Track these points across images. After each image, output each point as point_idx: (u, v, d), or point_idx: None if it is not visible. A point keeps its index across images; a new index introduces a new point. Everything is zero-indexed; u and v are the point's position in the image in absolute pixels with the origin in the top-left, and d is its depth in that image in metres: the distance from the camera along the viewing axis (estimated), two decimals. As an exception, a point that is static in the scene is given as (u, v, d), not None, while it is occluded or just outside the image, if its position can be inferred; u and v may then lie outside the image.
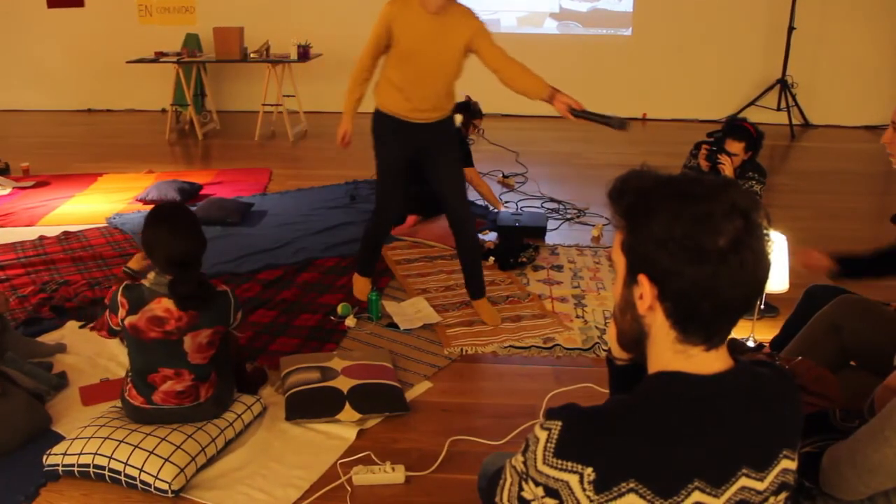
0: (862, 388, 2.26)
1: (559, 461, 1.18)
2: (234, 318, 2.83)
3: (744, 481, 1.20)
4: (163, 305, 2.65)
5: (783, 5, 8.17)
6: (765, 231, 1.18)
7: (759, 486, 1.22)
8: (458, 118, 5.11)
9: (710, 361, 1.23)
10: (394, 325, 3.81)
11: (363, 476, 2.67)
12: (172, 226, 2.69)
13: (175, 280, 2.65)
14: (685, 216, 1.15)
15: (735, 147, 4.43)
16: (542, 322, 3.87)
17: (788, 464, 1.26)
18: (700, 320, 1.20)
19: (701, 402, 1.20)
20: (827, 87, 8.64)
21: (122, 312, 2.68)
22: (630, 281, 1.25)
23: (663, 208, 1.17)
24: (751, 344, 3.53)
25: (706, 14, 8.60)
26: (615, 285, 1.30)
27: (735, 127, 4.51)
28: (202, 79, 8.57)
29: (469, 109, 5.31)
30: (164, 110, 8.77)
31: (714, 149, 4.41)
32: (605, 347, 3.61)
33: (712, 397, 1.20)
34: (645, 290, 1.21)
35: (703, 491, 1.17)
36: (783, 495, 1.27)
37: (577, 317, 3.94)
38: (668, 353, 1.23)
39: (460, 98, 5.24)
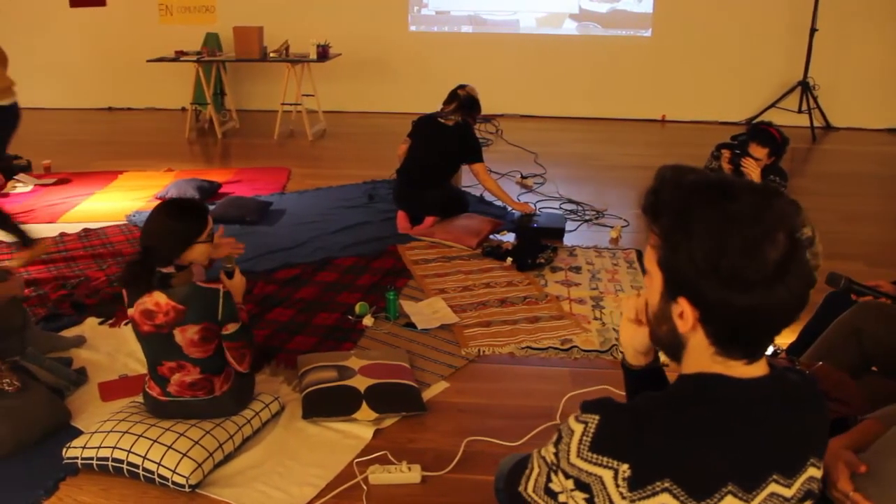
0: (883, 394, 2.24)
1: (594, 455, 1.17)
2: (221, 315, 2.72)
3: (773, 487, 1.19)
4: (153, 299, 2.67)
5: (804, 7, 8.12)
6: (807, 240, 1.15)
7: (787, 492, 1.21)
8: None
9: (749, 367, 1.21)
10: (411, 325, 3.81)
11: (379, 475, 2.67)
12: (155, 209, 2.82)
13: (132, 261, 2.72)
14: (731, 244, 1.11)
15: (759, 152, 4.40)
16: (560, 323, 3.86)
17: (815, 472, 1.25)
18: (745, 342, 1.19)
19: (740, 406, 1.19)
20: (849, 90, 8.56)
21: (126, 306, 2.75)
22: (669, 297, 1.22)
23: (706, 232, 1.13)
24: (770, 349, 3.50)
25: (727, 15, 8.55)
26: (650, 291, 1.27)
27: (760, 131, 4.48)
28: (222, 78, 8.61)
29: (470, 105, 5.25)
30: (183, 109, 8.82)
31: (738, 152, 4.39)
32: (623, 350, 3.59)
33: (751, 402, 1.19)
34: (686, 311, 1.19)
35: (735, 495, 1.16)
36: (808, 503, 1.26)
37: (595, 318, 3.93)
38: (707, 360, 1.22)
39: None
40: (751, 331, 1.17)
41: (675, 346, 1.25)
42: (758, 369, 1.22)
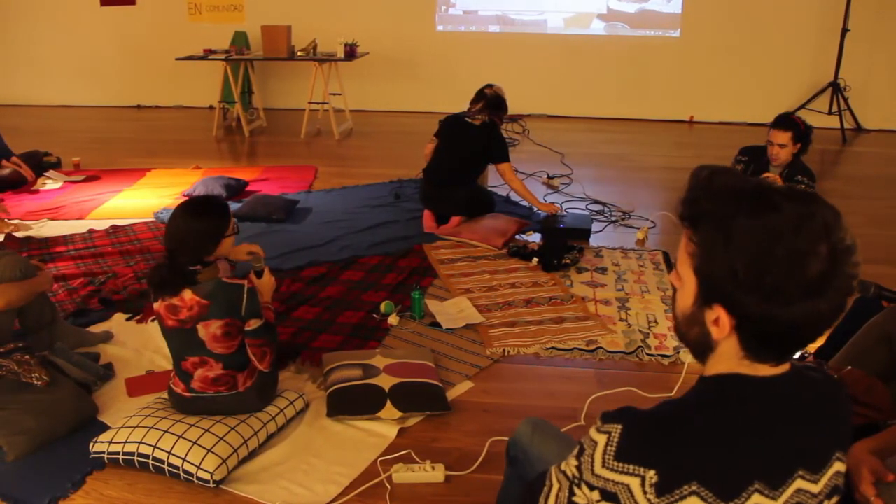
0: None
1: (620, 464, 1.17)
2: (244, 311, 2.74)
3: (800, 483, 1.19)
4: (179, 294, 2.70)
5: (835, 7, 8.03)
6: (848, 249, 1.13)
7: (814, 488, 1.21)
8: None
9: (773, 367, 1.21)
10: (436, 325, 3.81)
11: (403, 474, 2.67)
12: (176, 211, 2.80)
13: (159, 264, 2.74)
14: (774, 259, 1.09)
15: (782, 137, 4.34)
16: (585, 324, 3.84)
17: (840, 466, 1.25)
18: (778, 349, 1.18)
19: (761, 404, 1.19)
20: (881, 91, 8.46)
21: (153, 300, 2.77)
22: (703, 303, 1.20)
23: (749, 245, 1.11)
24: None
25: (756, 15, 8.47)
26: (681, 295, 1.25)
27: (778, 117, 4.44)
28: (249, 76, 8.65)
29: (497, 104, 5.23)
30: (211, 107, 8.88)
31: (754, 167, 4.37)
32: (649, 351, 3.57)
33: (772, 399, 1.19)
34: (722, 319, 1.17)
35: (762, 493, 1.16)
36: (835, 499, 1.26)
37: (621, 320, 3.90)
38: (734, 363, 1.21)
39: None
40: (787, 340, 1.16)
41: (704, 349, 1.25)
42: (780, 367, 1.21)
